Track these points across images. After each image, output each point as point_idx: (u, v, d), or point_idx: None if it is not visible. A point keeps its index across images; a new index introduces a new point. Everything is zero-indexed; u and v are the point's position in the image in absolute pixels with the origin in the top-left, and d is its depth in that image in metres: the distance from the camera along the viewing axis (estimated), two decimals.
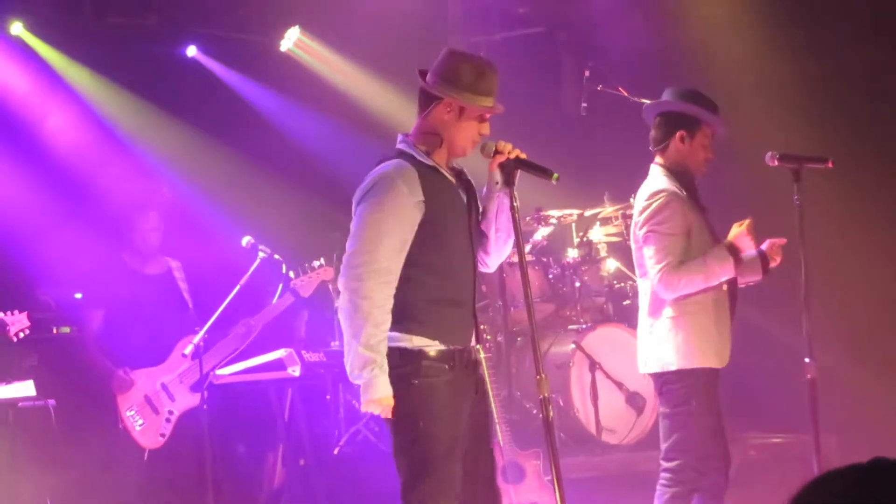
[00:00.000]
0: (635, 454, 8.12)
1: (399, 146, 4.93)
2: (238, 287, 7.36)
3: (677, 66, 9.38)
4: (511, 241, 4.95)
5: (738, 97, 8.60)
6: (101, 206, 8.12)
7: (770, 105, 8.77)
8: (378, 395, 4.68)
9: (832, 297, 8.03)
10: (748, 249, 5.88)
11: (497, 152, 4.79)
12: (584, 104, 8.47)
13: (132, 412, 7.45)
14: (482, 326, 8.17)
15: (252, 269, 7.46)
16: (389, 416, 4.73)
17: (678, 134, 6.00)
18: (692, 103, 6.04)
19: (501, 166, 4.80)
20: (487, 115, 4.89)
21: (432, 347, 4.77)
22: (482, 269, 5.17)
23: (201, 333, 7.27)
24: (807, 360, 5.94)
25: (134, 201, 7.90)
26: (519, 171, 4.79)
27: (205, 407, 7.20)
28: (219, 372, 7.23)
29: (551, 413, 4.58)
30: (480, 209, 5.02)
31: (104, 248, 7.84)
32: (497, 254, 5.07)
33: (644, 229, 5.90)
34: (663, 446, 5.97)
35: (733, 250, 5.85)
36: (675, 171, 6.00)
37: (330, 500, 7.77)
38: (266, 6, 9.28)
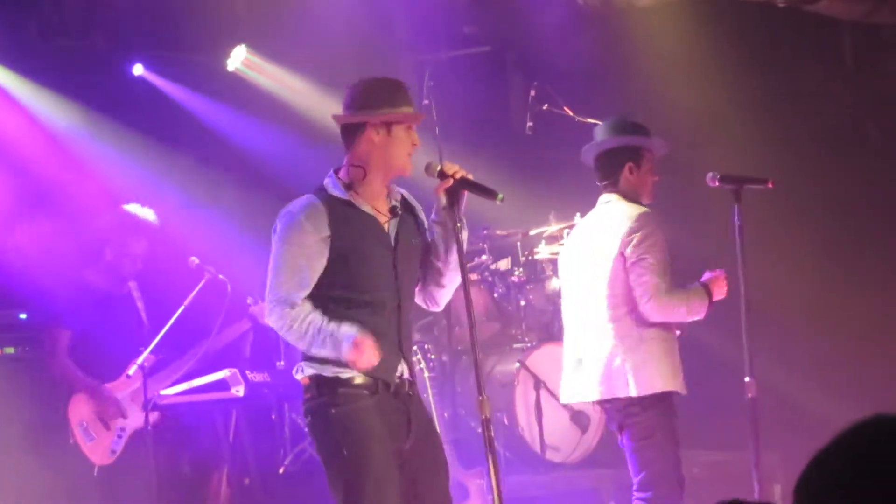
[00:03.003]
0: (579, 472, 8.17)
1: (325, 180, 4.94)
2: (182, 308, 7.35)
3: (623, 85, 9.46)
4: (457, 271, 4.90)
5: (680, 117, 8.68)
6: (80, 225, 8.05)
7: (712, 125, 8.86)
8: (349, 342, 4.64)
9: (772, 315, 8.10)
10: (720, 296, 5.94)
11: (442, 173, 4.78)
12: (530, 123, 8.52)
13: (83, 428, 7.42)
14: (427, 346, 8.27)
15: (196, 289, 7.45)
16: (376, 351, 4.66)
17: (626, 166, 6.07)
18: (629, 134, 6.11)
19: (446, 189, 4.80)
20: (413, 125, 4.90)
21: (348, 374, 4.73)
22: (430, 308, 5.18)
23: (145, 353, 7.25)
24: (747, 378, 6.02)
25: (127, 225, 7.83)
26: (465, 192, 4.80)
27: (149, 427, 7.17)
28: (163, 392, 7.20)
29: (492, 434, 4.59)
30: (427, 239, 4.99)
31: (63, 267, 7.79)
32: (450, 280, 5.00)
33: (639, 250, 5.88)
34: (636, 478, 5.95)
35: (709, 293, 5.91)
36: (630, 200, 6.07)
37: None
38: (211, 26, 9.26)
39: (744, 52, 9.25)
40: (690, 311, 5.89)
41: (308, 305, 4.77)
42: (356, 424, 4.72)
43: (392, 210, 4.94)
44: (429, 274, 5.01)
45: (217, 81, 9.49)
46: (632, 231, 5.92)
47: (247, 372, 7.45)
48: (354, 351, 4.63)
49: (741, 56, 9.22)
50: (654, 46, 9.55)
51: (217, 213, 9.08)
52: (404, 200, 5.04)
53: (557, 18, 9.54)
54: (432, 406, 7.47)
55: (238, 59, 9.46)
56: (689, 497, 6.13)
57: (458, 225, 4.77)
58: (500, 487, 4.57)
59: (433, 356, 8.30)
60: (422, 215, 5.07)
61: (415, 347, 6.68)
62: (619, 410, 5.98)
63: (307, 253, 4.78)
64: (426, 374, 7.76)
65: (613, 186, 6.12)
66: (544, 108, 8.44)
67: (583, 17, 9.53)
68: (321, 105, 9.44)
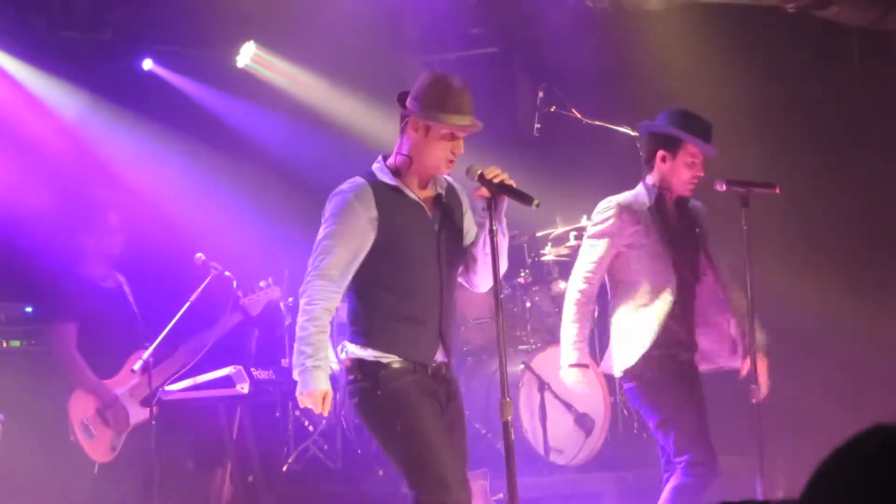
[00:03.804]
0: (583, 475, 8.16)
1: (373, 165, 5.05)
2: (188, 303, 7.35)
3: (632, 88, 9.45)
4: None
5: None
6: (58, 216, 8.06)
7: (719, 129, 8.83)
8: (307, 389, 4.83)
9: (779, 320, 8.10)
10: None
11: (482, 177, 4.83)
12: (538, 125, 8.53)
13: (83, 426, 7.42)
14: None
15: (203, 286, 7.46)
16: (321, 411, 4.85)
17: (659, 154, 6.13)
18: (675, 125, 6.14)
19: (485, 187, 4.85)
20: (460, 135, 4.93)
21: (388, 359, 4.87)
22: (472, 289, 5.29)
23: (151, 349, 7.26)
24: (752, 385, 6.05)
25: (94, 203, 7.87)
26: (504, 197, 4.86)
27: (153, 423, 7.17)
28: (167, 388, 7.20)
29: (512, 438, 4.76)
30: (468, 229, 5.12)
31: (60, 262, 7.80)
32: (484, 276, 5.12)
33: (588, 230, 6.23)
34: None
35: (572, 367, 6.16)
36: (661, 188, 6.12)
37: None
38: (221, 22, 9.26)
39: (752, 56, 9.24)
40: (565, 332, 6.18)
41: (327, 317, 4.89)
42: (403, 400, 4.86)
43: (437, 198, 5.05)
44: (469, 263, 5.13)
45: (226, 76, 9.50)
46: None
47: (252, 369, 7.46)
48: (307, 399, 4.84)
49: (749, 60, 9.21)
50: (662, 49, 9.54)
51: (228, 205, 9.07)
52: (450, 188, 5.14)
53: (566, 20, 9.53)
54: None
55: (247, 55, 9.47)
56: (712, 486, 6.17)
57: (495, 228, 4.82)
58: (516, 491, 4.72)
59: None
60: (466, 203, 5.16)
61: None
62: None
63: (356, 233, 4.89)
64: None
65: (649, 170, 6.23)
66: (552, 109, 8.44)
67: (591, 20, 9.53)
68: (332, 99, 9.44)
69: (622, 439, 8.52)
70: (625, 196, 6.19)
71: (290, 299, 8.22)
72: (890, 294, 8.66)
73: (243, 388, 7.33)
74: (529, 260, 9.01)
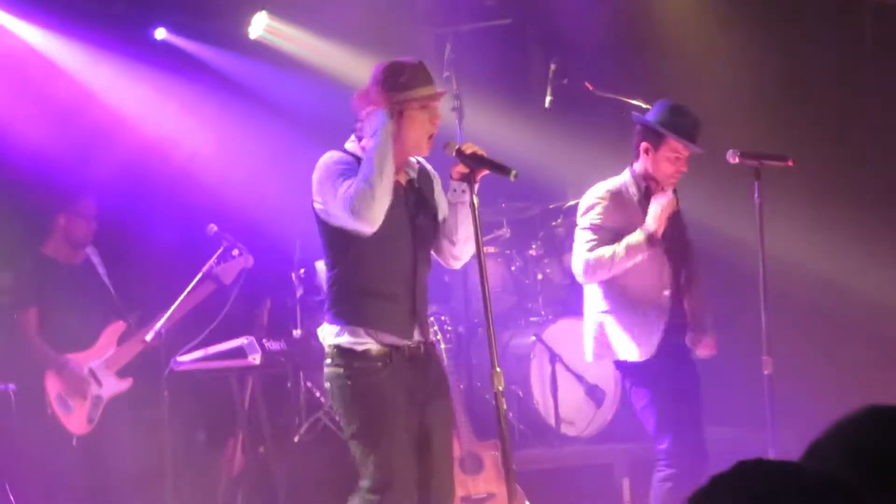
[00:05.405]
0: (594, 446, 8.18)
1: (347, 144, 5.17)
2: (200, 275, 7.37)
3: (643, 61, 9.42)
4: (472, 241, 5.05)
5: (703, 94, 8.63)
6: (27, 195, 8.06)
7: (735, 103, 8.81)
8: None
9: (791, 292, 8.09)
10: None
11: (459, 151, 4.94)
12: (550, 97, 8.51)
13: (60, 399, 7.46)
14: (443, 317, 8.28)
15: (215, 256, 7.47)
16: None
17: (643, 145, 6.20)
18: (660, 120, 6.17)
19: (462, 162, 4.96)
20: (433, 103, 5.08)
21: (364, 345, 5.00)
22: (448, 266, 5.37)
23: (163, 320, 7.29)
24: (764, 357, 6.06)
25: (72, 189, 7.88)
26: (483, 171, 4.94)
27: (165, 393, 7.20)
28: (179, 359, 7.22)
29: (504, 407, 4.86)
30: (440, 208, 5.21)
31: (24, 243, 7.82)
32: (463, 252, 5.23)
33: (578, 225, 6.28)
34: None
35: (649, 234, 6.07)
36: (645, 178, 6.15)
37: (290, 488, 7.78)
38: None
39: (765, 29, 9.19)
40: (615, 255, 6.06)
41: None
42: (371, 398, 5.01)
43: (409, 181, 5.17)
44: (443, 243, 5.22)
45: (239, 45, 9.45)
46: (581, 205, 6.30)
47: (263, 340, 7.48)
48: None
49: (762, 34, 9.16)
50: (675, 23, 9.51)
51: (240, 174, 9.03)
52: (422, 169, 5.26)
53: None
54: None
55: (260, 25, 9.43)
56: (703, 473, 6.16)
57: (475, 202, 4.93)
58: (511, 461, 4.85)
59: (449, 328, 8.30)
60: (438, 185, 5.28)
61: (431, 318, 6.73)
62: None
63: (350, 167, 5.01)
64: (442, 346, 7.75)
65: (635, 159, 6.29)
66: (564, 82, 8.42)
67: None
68: (347, 63, 9.36)
69: (632, 411, 8.52)
70: (613, 183, 6.26)
71: (303, 270, 8.21)
72: None
73: (255, 358, 7.34)
74: (541, 232, 9.00)
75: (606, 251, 6.05)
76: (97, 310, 7.76)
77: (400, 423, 5.02)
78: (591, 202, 6.21)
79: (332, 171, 5.01)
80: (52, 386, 7.48)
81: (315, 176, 5.07)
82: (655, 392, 6.15)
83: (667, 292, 6.20)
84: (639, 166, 6.25)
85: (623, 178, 6.26)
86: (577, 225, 6.32)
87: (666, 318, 6.17)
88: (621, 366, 6.30)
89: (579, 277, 6.25)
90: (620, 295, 6.19)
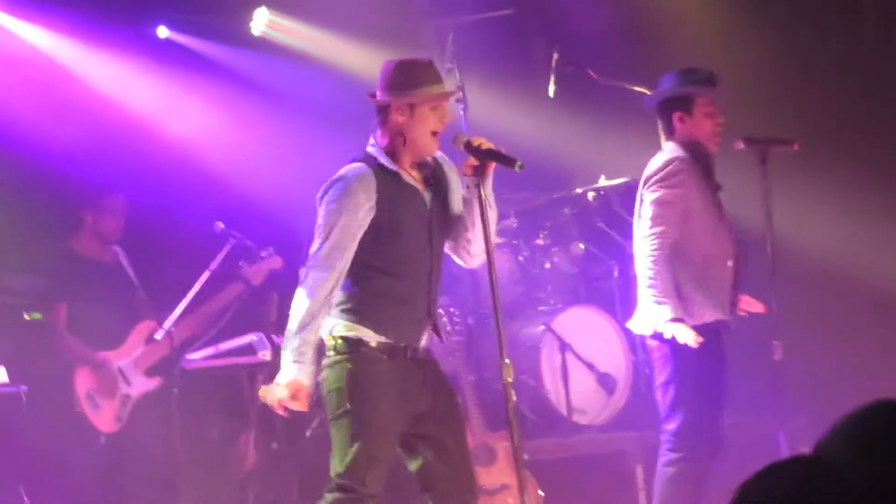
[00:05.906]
0: (605, 435, 8.17)
1: (368, 148, 5.12)
2: (207, 273, 7.38)
3: (646, 49, 9.40)
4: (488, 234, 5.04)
5: None
6: (55, 192, 8.06)
7: (740, 89, 8.80)
8: (282, 380, 4.94)
9: (800, 278, 8.08)
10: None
11: (468, 145, 4.97)
12: (553, 87, 8.51)
13: (89, 397, 7.47)
14: (452, 309, 8.27)
15: (222, 254, 7.48)
16: (283, 406, 4.99)
17: (675, 116, 6.13)
18: (680, 83, 6.13)
19: (472, 155, 4.97)
20: (442, 102, 5.09)
21: (372, 339, 4.98)
22: (465, 264, 5.36)
23: (172, 319, 7.30)
24: (775, 342, 6.05)
25: (100, 185, 7.89)
26: (493, 164, 4.98)
27: (175, 391, 7.21)
28: (189, 357, 7.24)
29: (514, 398, 4.88)
30: (457, 207, 5.20)
31: (53, 239, 7.83)
32: (475, 250, 5.22)
33: (651, 189, 6.08)
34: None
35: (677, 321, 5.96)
36: (689, 147, 6.10)
37: (302, 483, 7.79)
38: None
39: (767, 16, 9.18)
40: (658, 293, 5.97)
41: (323, 315, 4.96)
42: (366, 387, 4.98)
43: (426, 180, 5.15)
44: (460, 239, 5.22)
45: (242, 42, 9.44)
46: (657, 171, 6.10)
47: (273, 336, 7.49)
48: (279, 393, 4.94)
49: (765, 20, 9.15)
50: (678, 10, 9.49)
51: (247, 170, 9.03)
52: (438, 165, 5.24)
53: None
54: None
55: (261, 21, 9.41)
56: (713, 457, 6.17)
57: (486, 195, 4.96)
58: (521, 452, 4.88)
59: (458, 319, 8.29)
60: (455, 178, 5.25)
61: (440, 310, 6.75)
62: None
63: (358, 222, 4.96)
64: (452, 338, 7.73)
65: (671, 136, 6.22)
66: (568, 70, 8.42)
67: None
68: (352, 55, 9.35)
69: (644, 398, 8.50)
70: (677, 150, 6.15)
71: None
72: None
73: (265, 354, 7.36)
74: (548, 222, 8.99)
75: (662, 280, 5.95)
76: (126, 308, 7.77)
77: (391, 417, 5.00)
78: (672, 171, 6.08)
79: (323, 221, 5.00)
80: (83, 383, 7.50)
81: (320, 196, 5.06)
82: (685, 368, 6.04)
83: (730, 262, 6.15)
84: (679, 138, 6.19)
85: (673, 148, 6.17)
86: (650, 191, 6.12)
87: (728, 286, 6.12)
88: (658, 336, 6.11)
89: (641, 258, 6.09)
90: (686, 262, 6.08)
